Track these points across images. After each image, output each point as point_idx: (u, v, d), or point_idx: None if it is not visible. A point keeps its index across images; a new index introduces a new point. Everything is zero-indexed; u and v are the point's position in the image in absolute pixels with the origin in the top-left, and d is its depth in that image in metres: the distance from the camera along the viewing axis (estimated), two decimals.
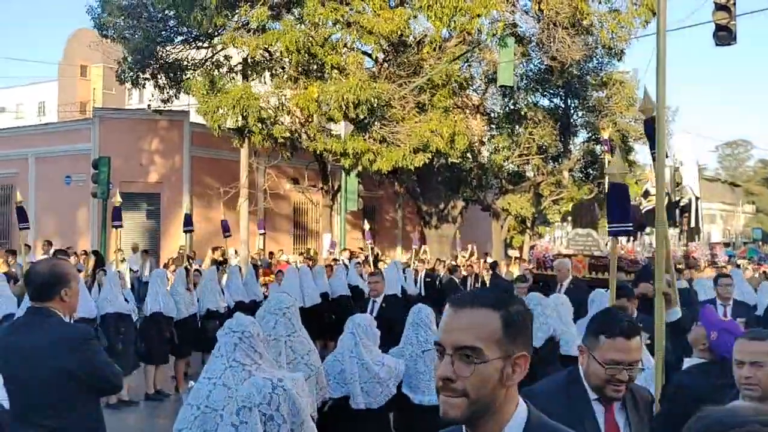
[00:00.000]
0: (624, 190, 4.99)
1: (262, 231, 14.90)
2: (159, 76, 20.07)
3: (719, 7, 11.77)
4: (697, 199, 14.85)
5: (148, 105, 21.76)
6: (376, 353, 4.83)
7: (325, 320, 11.43)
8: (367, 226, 18.06)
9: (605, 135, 16.50)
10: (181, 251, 16.70)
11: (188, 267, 11.08)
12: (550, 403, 2.61)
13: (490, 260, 19.27)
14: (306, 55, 16.98)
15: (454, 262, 18.10)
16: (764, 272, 16.94)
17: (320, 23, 17.01)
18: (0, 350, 3.41)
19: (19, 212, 9.67)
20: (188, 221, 12.45)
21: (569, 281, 8.95)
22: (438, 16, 16.10)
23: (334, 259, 17.24)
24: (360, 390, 4.65)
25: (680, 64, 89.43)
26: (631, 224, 5.07)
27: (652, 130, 5.76)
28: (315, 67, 17.67)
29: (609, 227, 5.09)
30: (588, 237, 12.50)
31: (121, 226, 11.39)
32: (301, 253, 20.76)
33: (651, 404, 2.97)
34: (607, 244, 13.02)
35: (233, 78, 19.86)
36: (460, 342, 1.58)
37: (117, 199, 11.34)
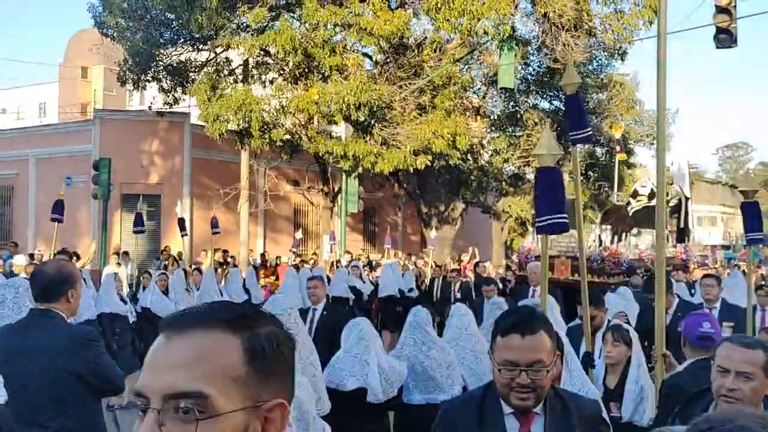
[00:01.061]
0: (556, 176, 4.20)
1: (217, 230, 14.44)
2: (163, 78, 20.02)
3: (720, 10, 11.77)
4: (687, 200, 14.58)
5: (149, 107, 21.75)
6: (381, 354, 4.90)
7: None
8: (299, 235, 18.58)
9: (617, 134, 16.22)
10: (166, 252, 16.60)
11: (186, 268, 11.07)
12: (462, 415, 2.46)
13: (465, 258, 19.21)
14: (303, 55, 16.94)
15: (454, 264, 18.11)
16: (762, 275, 16.88)
17: (320, 24, 16.98)
18: (2, 350, 3.40)
19: None
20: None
21: None
22: (446, 18, 16.02)
23: (335, 261, 17.26)
24: (380, 383, 4.66)
25: (681, 66, 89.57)
26: (565, 216, 4.17)
27: (573, 106, 5.31)
28: (315, 65, 17.63)
29: (537, 221, 4.24)
30: (571, 238, 12.24)
31: (60, 221, 10.65)
32: (297, 255, 20.76)
33: (597, 422, 2.51)
34: (590, 247, 12.79)
35: (234, 82, 19.81)
36: (172, 387, 1.00)
37: (61, 192, 10.82)
